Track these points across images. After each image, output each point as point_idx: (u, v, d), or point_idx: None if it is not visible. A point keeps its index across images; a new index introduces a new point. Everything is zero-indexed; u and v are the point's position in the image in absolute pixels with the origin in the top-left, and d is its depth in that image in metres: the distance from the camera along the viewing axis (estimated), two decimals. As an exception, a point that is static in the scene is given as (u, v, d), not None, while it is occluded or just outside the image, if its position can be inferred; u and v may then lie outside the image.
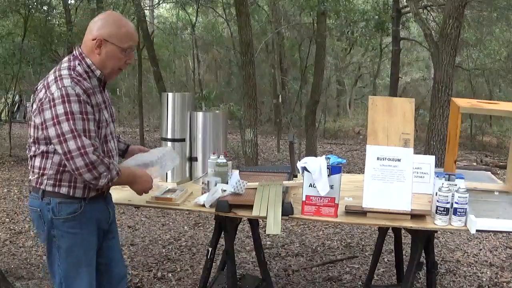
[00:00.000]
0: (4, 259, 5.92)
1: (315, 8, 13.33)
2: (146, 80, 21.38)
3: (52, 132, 2.75)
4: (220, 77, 26.76)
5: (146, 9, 18.84)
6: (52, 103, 2.74)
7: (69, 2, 15.95)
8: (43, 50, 13.71)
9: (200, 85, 18.35)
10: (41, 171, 2.90)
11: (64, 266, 2.96)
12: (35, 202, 2.96)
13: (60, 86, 2.75)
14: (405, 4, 16.06)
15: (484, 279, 5.52)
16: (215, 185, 3.65)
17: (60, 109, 2.72)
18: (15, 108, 22.03)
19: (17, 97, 20.54)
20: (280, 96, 17.84)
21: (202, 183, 3.84)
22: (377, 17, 15.20)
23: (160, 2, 19.10)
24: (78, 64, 2.91)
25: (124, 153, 3.53)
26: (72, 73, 2.84)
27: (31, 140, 2.91)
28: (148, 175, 3.18)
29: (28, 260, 5.90)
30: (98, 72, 2.95)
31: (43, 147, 2.87)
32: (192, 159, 4.37)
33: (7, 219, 7.61)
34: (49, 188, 2.89)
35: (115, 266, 3.32)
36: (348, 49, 20.87)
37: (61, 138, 2.72)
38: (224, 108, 15.60)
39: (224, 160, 3.94)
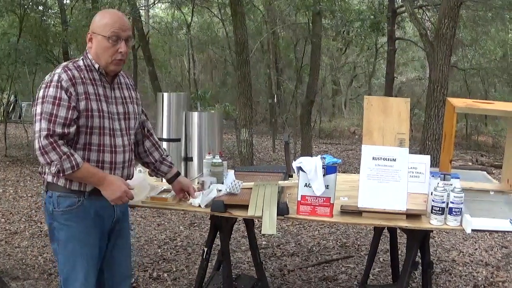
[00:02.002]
0: (-1, 259, 5.92)
1: (310, 8, 13.33)
2: (141, 80, 21.41)
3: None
4: (216, 77, 26.80)
5: (142, 9, 18.84)
6: (40, 88, 2.91)
7: (64, 2, 15.91)
8: (39, 50, 13.65)
9: (195, 85, 18.38)
10: None
11: (62, 257, 3.05)
12: (44, 196, 3.08)
13: (51, 74, 2.92)
14: (401, 4, 16.07)
15: (480, 279, 5.52)
16: (209, 186, 3.65)
17: (40, 93, 2.87)
18: (10, 108, 21.99)
19: (12, 97, 20.50)
20: (275, 96, 17.84)
21: (198, 183, 3.84)
22: (372, 17, 15.20)
23: (156, 2, 19.10)
24: (82, 59, 3.04)
25: (170, 178, 3.54)
26: (69, 64, 2.98)
27: None
28: (122, 183, 3.05)
29: (23, 261, 5.88)
30: (97, 66, 3.03)
31: None
32: (187, 159, 4.36)
33: (3, 219, 7.59)
34: (49, 179, 2.98)
35: (117, 266, 3.33)
36: (343, 49, 20.93)
37: (34, 119, 2.86)
38: (220, 108, 15.64)
39: (220, 160, 3.93)
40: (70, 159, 2.82)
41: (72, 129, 2.87)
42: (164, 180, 3.61)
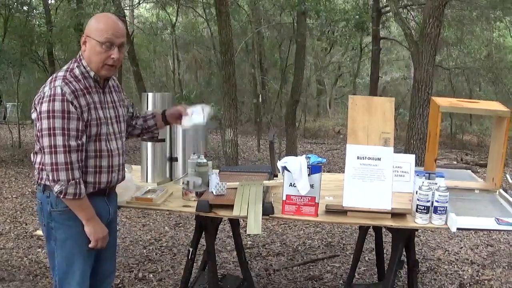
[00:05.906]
0: (-17, 261, 5.88)
1: (295, 7, 13.34)
2: (126, 80, 21.34)
3: (37, 127, 2.87)
4: (200, 77, 26.73)
5: (126, 9, 18.78)
6: (41, 101, 2.84)
7: (49, 2, 15.87)
8: (23, 50, 13.61)
9: (180, 85, 18.34)
10: (40, 166, 2.99)
11: (59, 257, 3.06)
12: (38, 195, 3.11)
13: (51, 86, 2.86)
14: (385, 3, 16.12)
15: (465, 277, 5.54)
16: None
17: (44, 107, 2.81)
18: (-5, 109, 21.90)
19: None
20: (260, 95, 17.84)
21: (183, 183, 3.82)
22: (357, 16, 15.24)
23: (140, 2, 19.05)
24: (77, 67, 3.01)
25: (161, 121, 3.54)
26: (67, 74, 2.94)
27: (35, 137, 2.99)
28: (105, 232, 3.11)
29: (9, 262, 5.85)
30: (92, 73, 3.02)
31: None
32: (172, 159, 4.35)
33: (-14, 221, 7.55)
34: (48, 183, 2.96)
35: (103, 263, 3.36)
36: (328, 49, 20.94)
37: (40, 133, 2.83)
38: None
39: (204, 160, 3.92)
40: (76, 186, 2.86)
41: (84, 138, 2.91)
42: (150, 177, 3.60)
